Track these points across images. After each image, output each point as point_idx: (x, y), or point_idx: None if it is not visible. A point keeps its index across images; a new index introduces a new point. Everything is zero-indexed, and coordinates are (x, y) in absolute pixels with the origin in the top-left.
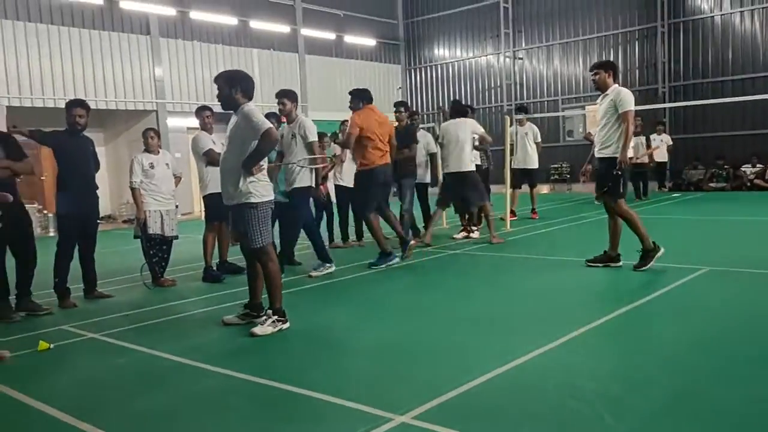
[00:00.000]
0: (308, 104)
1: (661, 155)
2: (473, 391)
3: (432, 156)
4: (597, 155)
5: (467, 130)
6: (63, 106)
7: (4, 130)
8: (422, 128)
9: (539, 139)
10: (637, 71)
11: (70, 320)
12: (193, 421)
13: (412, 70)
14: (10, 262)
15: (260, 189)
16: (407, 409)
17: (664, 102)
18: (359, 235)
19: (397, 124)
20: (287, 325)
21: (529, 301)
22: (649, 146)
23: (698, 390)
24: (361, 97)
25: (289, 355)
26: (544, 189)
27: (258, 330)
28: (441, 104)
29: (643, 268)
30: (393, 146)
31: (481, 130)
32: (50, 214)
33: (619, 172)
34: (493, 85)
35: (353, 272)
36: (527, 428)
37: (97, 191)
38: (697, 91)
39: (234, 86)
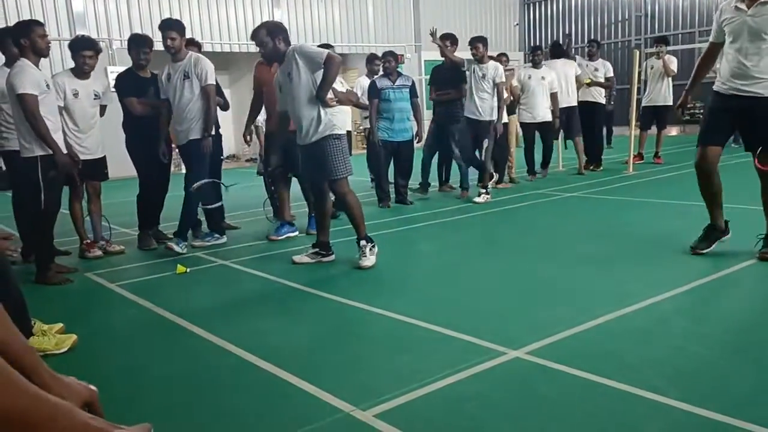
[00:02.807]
0: (422, 44)
1: None
2: (590, 332)
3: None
4: (747, 92)
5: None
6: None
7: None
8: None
9: (674, 68)
10: None
11: (203, 248)
12: (318, 342)
13: (531, 5)
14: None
15: (338, 122)
16: (521, 345)
17: None
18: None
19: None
20: (377, 248)
21: (650, 245)
22: None
23: None
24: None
25: (406, 289)
26: (672, 131)
27: (366, 262)
28: (568, 33)
29: None
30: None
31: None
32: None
33: None
34: (620, 18)
35: (464, 213)
36: (646, 372)
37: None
38: None
39: (276, 37)
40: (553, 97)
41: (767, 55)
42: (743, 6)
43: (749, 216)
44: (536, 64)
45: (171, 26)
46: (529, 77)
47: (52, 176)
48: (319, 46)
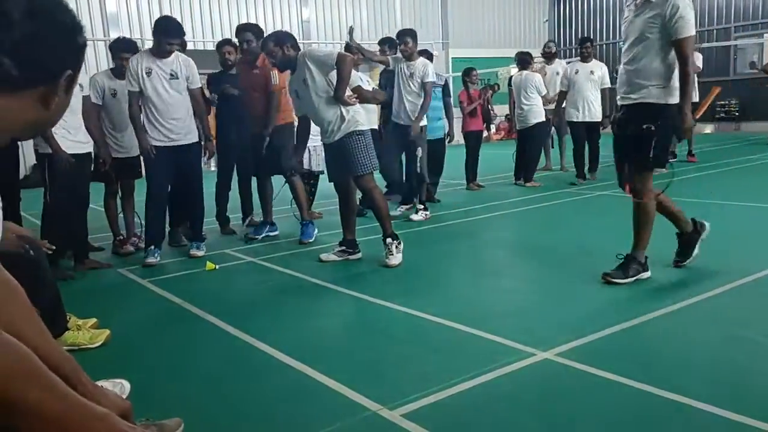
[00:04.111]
0: (450, 41)
1: None
2: (621, 334)
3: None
4: (621, 101)
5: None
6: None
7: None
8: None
9: (699, 65)
10: None
11: (231, 246)
12: (345, 340)
13: (562, 1)
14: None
15: (361, 118)
16: (550, 346)
17: None
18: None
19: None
20: (402, 244)
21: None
22: None
23: None
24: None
25: (434, 287)
26: (707, 128)
27: (393, 261)
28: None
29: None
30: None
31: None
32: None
33: (652, 128)
34: None
35: (491, 211)
36: (677, 375)
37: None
38: None
39: (284, 45)
40: (603, 93)
41: (653, 59)
42: (632, 6)
43: None
44: (585, 58)
45: (180, 35)
46: (576, 72)
47: (55, 174)
48: (345, 45)
